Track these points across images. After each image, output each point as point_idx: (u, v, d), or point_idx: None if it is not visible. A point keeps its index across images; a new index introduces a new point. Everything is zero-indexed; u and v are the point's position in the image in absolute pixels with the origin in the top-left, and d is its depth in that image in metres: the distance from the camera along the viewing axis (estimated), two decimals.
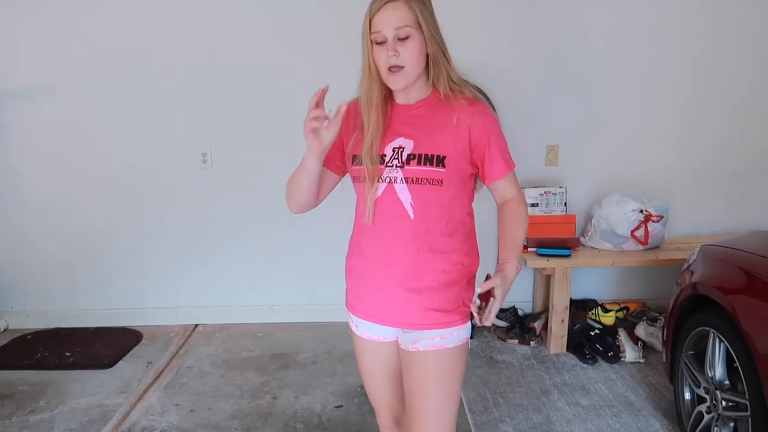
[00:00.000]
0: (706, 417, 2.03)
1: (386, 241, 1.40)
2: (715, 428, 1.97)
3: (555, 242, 3.07)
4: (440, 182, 1.35)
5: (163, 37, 3.23)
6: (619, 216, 3.03)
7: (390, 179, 1.36)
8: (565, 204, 3.25)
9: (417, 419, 1.44)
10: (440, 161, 1.34)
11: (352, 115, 1.42)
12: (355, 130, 1.42)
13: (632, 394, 2.66)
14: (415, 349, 1.42)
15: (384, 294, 1.42)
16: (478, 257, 1.49)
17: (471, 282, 1.46)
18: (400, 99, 1.41)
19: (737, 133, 3.36)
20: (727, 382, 1.96)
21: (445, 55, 1.37)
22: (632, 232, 3.03)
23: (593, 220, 3.16)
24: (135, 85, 3.28)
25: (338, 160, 1.47)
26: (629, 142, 3.36)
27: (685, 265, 2.31)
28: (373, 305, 1.46)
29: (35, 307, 3.58)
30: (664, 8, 3.19)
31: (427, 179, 1.34)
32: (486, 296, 1.32)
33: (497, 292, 1.29)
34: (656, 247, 3.14)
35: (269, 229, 3.45)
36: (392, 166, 1.36)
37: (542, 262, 3.01)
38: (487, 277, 1.36)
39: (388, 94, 1.40)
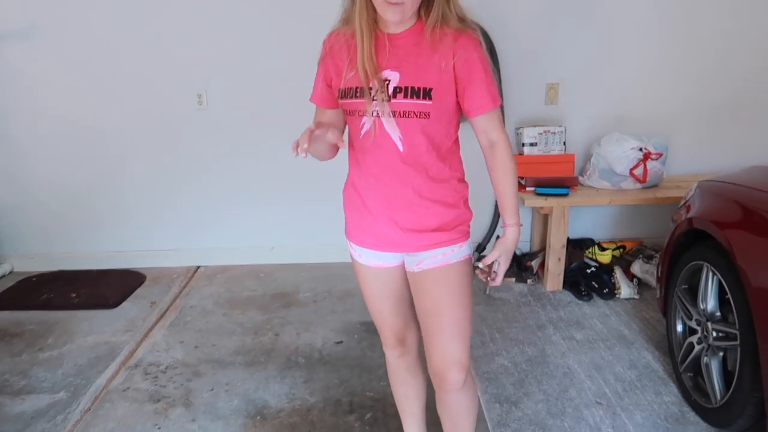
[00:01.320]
0: (697, 347, 2.08)
1: (379, 176, 1.40)
2: (705, 358, 2.02)
3: (553, 181, 3.07)
4: (427, 115, 1.33)
5: None
6: (618, 154, 3.02)
7: (376, 113, 1.34)
8: (564, 143, 3.23)
9: (436, 335, 1.47)
10: (426, 94, 1.31)
11: (334, 48, 1.40)
12: (342, 63, 1.38)
13: (626, 329, 2.72)
14: (421, 269, 1.44)
15: (385, 229, 1.44)
16: (466, 183, 1.50)
17: (466, 204, 1.48)
18: (387, 27, 1.35)
19: (740, 70, 3.30)
20: (718, 313, 2.01)
21: None
22: (631, 170, 3.02)
23: (592, 159, 3.15)
24: (129, 26, 3.21)
25: (334, 98, 1.45)
26: (631, 79, 3.32)
27: (682, 201, 2.32)
28: (374, 236, 1.47)
29: (39, 251, 3.62)
30: None
31: (414, 112, 1.33)
32: (489, 266, 1.45)
33: (500, 260, 1.44)
34: (655, 186, 3.14)
35: (267, 170, 3.44)
36: (378, 100, 1.33)
37: (540, 202, 3.02)
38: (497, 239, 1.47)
39: (373, 21, 1.34)
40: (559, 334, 2.69)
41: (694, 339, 2.10)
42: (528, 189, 3.10)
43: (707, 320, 2.02)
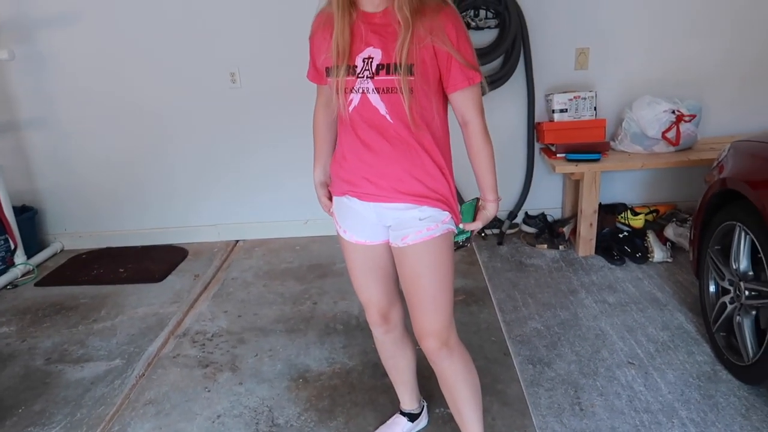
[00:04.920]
0: (729, 307, 2.10)
1: (372, 148, 1.45)
2: (737, 317, 2.04)
3: (584, 147, 3.07)
4: (410, 90, 1.37)
5: None
6: (650, 117, 3.00)
7: (363, 90, 1.40)
8: (595, 108, 3.20)
9: (415, 306, 1.54)
10: (408, 69, 1.35)
11: (319, 28, 1.46)
12: (326, 43, 1.42)
13: (659, 291, 2.74)
14: (405, 244, 1.48)
15: (367, 187, 1.49)
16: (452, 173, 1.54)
17: (452, 189, 1.51)
18: (365, 6, 1.39)
19: None
20: (751, 272, 2.02)
21: None
22: (663, 133, 3.00)
23: (623, 124, 3.13)
24: (163, 6, 3.29)
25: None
26: (663, 41, 3.26)
27: (715, 162, 2.31)
28: (357, 188, 1.52)
29: (86, 229, 3.79)
30: None
31: (398, 88, 1.37)
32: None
33: (477, 226, 1.57)
34: (688, 149, 3.11)
35: (301, 146, 3.50)
36: (363, 77, 1.38)
37: (571, 168, 3.03)
38: (478, 203, 1.57)
39: (350, 1, 1.39)
40: (592, 298, 2.72)
41: (726, 299, 2.12)
42: (558, 155, 3.11)
43: (740, 280, 2.04)
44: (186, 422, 2.09)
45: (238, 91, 3.44)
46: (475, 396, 1.64)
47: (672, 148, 3.05)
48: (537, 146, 3.42)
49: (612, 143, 3.21)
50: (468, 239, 1.62)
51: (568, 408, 2.01)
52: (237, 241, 3.76)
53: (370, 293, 1.67)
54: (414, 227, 1.46)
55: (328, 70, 1.43)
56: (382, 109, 1.40)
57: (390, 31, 1.37)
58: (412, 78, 1.35)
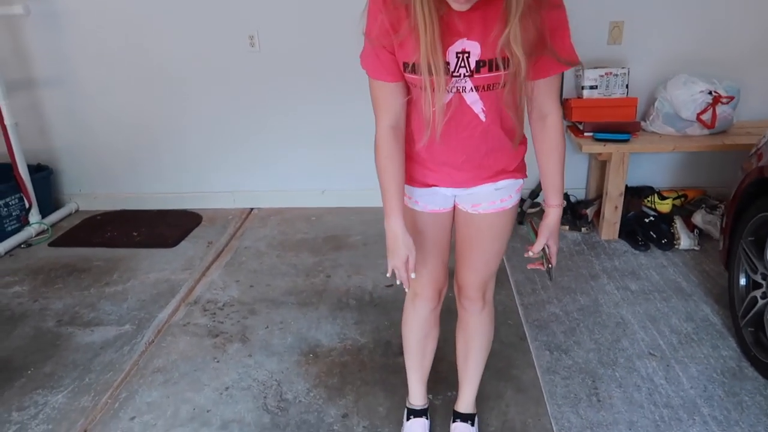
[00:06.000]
0: (761, 302, 2.01)
1: (455, 146, 1.34)
2: None
3: (613, 126, 2.94)
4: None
5: None
6: (686, 98, 2.86)
7: (457, 89, 1.23)
8: (627, 86, 3.07)
9: (473, 259, 1.54)
10: (509, 62, 1.19)
11: (390, 7, 1.18)
12: (399, 27, 1.18)
13: (684, 280, 2.64)
14: (477, 212, 1.46)
15: (457, 179, 1.43)
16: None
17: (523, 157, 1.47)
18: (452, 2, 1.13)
19: None
20: None
21: None
22: (698, 115, 2.86)
23: (656, 103, 2.99)
24: None
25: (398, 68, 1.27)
26: (701, 17, 3.09)
27: (754, 149, 2.19)
28: (446, 183, 1.45)
29: (102, 190, 3.77)
30: None
31: (498, 84, 1.23)
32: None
33: (549, 243, 1.45)
34: (723, 132, 2.97)
35: (320, 114, 3.43)
36: (459, 75, 1.21)
37: (598, 148, 2.91)
38: (532, 226, 1.52)
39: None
40: (613, 284, 2.64)
41: (758, 293, 2.03)
42: (586, 134, 2.99)
43: None
44: (193, 392, 2.06)
45: (257, 55, 3.34)
46: (486, 350, 1.73)
47: (706, 131, 2.91)
48: (564, 123, 3.29)
49: (643, 123, 3.08)
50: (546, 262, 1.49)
51: (585, 398, 1.95)
52: (252, 209, 3.71)
53: (432, 267, 1.57)
54: (488, 198, 1.45)
55: (414, 66, 1.20)
56: (477, 107, 1.27)
57: (486, 15, 1.15)
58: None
